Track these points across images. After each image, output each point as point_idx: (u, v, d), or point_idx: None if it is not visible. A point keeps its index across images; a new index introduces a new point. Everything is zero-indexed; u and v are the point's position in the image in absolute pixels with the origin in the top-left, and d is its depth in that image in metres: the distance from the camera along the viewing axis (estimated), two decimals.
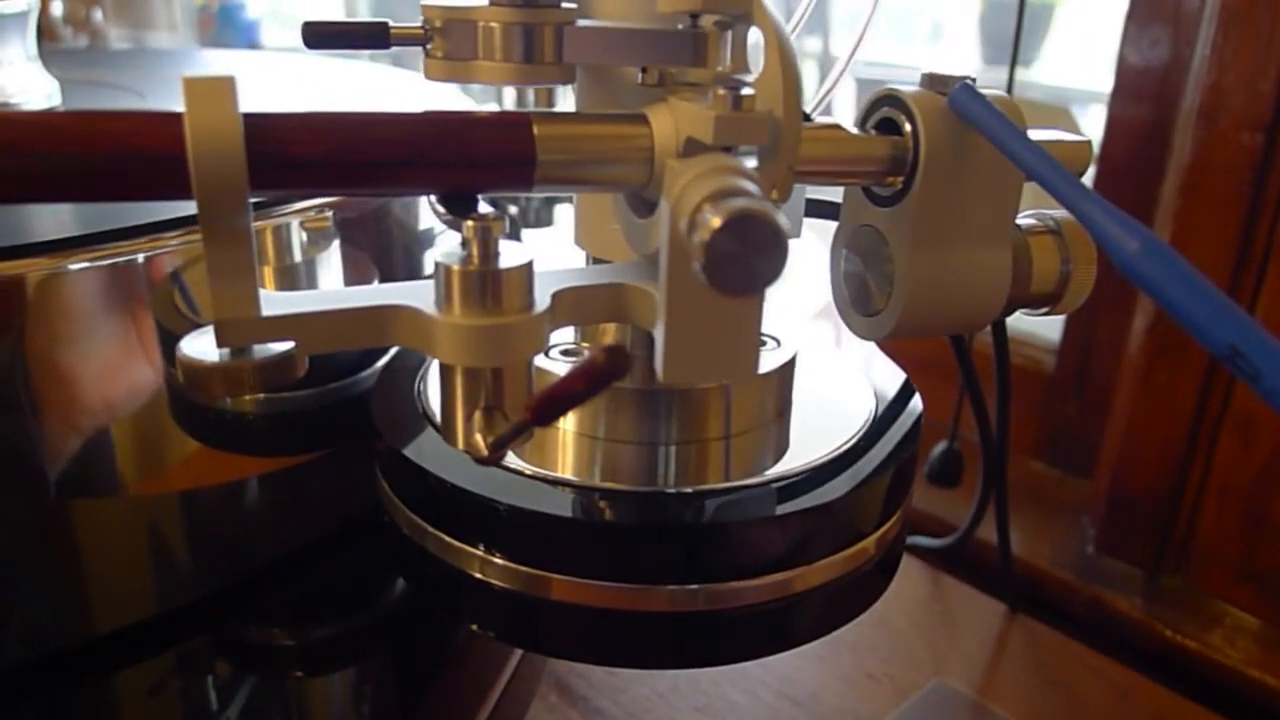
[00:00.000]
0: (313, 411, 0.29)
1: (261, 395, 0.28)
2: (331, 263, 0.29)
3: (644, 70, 0.21)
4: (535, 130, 0.19)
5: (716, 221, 0.15)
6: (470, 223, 0.19)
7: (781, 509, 0.23)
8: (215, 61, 0.55)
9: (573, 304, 0.20)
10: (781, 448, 0.26)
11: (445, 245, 0.19)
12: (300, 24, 0.20)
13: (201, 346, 0.19)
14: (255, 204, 0.25)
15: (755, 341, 0.19)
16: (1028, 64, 0.87)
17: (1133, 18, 0.50)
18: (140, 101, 0.40)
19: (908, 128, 0.22)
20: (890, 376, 0.29)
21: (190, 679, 0.29)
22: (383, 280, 0.31)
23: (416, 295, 0.19)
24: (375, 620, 0.31)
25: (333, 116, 0.18)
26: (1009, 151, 0.18)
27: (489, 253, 0.19)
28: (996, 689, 0.41)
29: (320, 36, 0.20)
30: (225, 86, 0.17)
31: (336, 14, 1.15)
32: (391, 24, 0.20)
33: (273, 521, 0.30)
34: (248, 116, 0.17)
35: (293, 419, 0.28)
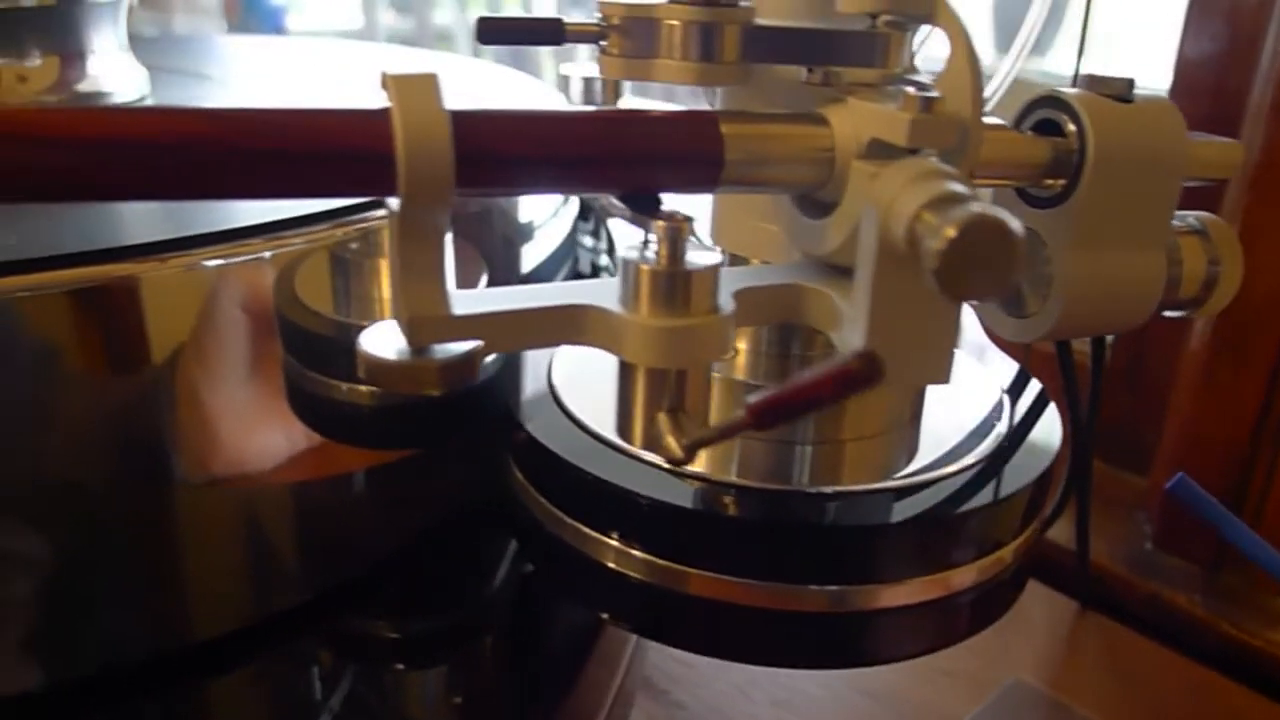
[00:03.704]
0: (433, 404, 0.29)
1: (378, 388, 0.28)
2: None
3: (809, 69, 0.21)
4: (723, 129, 0.19)
5: (951, 231, 0.15)
6: (661, 223, 0.18)
7: (923, 514, 0.23)
8: (280, 47, 0.54)
9: (749, 305, 0.20)
10: (914, 451, 0.26)
11: (629, 243, 0.19)
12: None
13: (380, 342, 0.19)
14: (369, 202, 0.25)
15: (954, 344, 0.19)
16: (1042, 52, 0.87)
17: (1193, 11, 0.49)
18: (224, 89, 0.39)
19: (1070, 128, 0.22)
20: (1011, 375, 0.29)
21: (295, 676, 0.29)
22: (491, 273, 0.30)
23: (600, 294, 0.19)
24: (481, 614, 0.31)
25: (532, 114, 0.18)
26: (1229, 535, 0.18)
27: (677, 253, 0.19)
28: (1072, 686, 0.41)
29: (495, 33, 0.20)
30: (430, 83, 0.17)
31: (354, 3, 1.14)
32: (566, 21, 0.20)
33: (387, 515, 0.29)
34: (454, 113, 0.17)
35: (413, 411, 0.28)
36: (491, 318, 0.19)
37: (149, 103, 0.35)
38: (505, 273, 0.31)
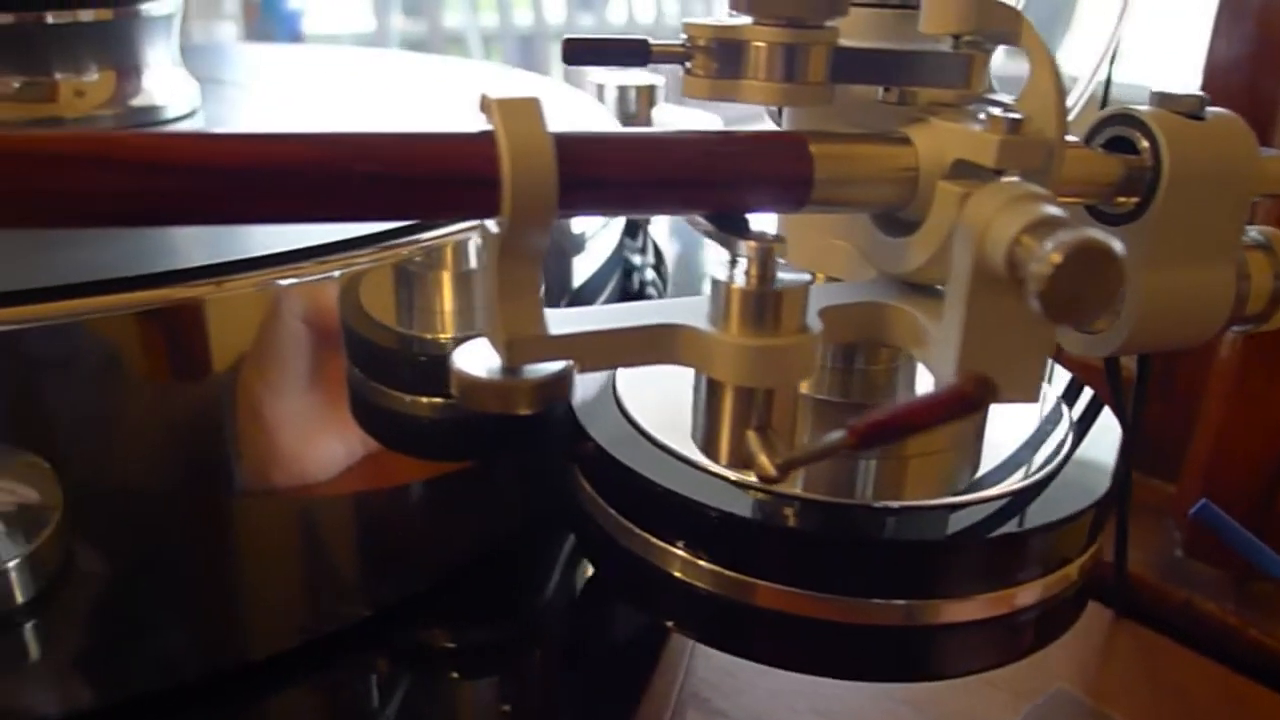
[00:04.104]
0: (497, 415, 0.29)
1: (441, 400, 0.28)
2: None
3: (885, 88, 0.21)
4: (812, 150, 0.19)
5: (1057, 256, 0.15)
6: (752, 243, 0.19)
7: (992, 531, 0.24)
8: (304, 56, 0.54)
9: (831, 323, 0.20)
10: (977, 465, 0.26)
11: (717, 261, 0.19)
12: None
13: (473, 360, 0.19)
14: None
15: (1046, 363, 0.19)
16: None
17: (1223, 13, 0.49)
18: (272, 101, 0.40)
19: (1144, 145, 0.22)
20: (1064, 384, 0.29)
21: (349, 687, 0.29)
22: (546, 285, 0.31)
23: (689, 313, 0.20)
24: (537, 624, 0.31)
25: (631, 136, 0.18)
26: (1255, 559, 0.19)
27: (767, 273, 0.19)
28: (1112, 695, 0.41)
29: (580, 54, 0.20)
30: (534, 106, 0.17)
31: (365, 2, 1.15)
32: (652, 41, 0.20)
33: (453, 528, 0.30)
34: (557, 137, 0.17)
35: (476, 422, 0.28)
36: (586, 337, 0.19)
37: (201, 116, 0.36)
38: (559, 284, 0.31)
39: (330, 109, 0.40)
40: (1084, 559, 0.25)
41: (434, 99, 0.43)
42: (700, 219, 0.20)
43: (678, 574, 0.24)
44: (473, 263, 0.28)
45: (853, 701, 0.40)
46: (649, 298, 0.38)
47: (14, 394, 0.22)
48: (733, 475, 0.24)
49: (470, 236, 0.27)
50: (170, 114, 0.34)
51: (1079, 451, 0.26)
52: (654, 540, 0.24)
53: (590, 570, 0.34)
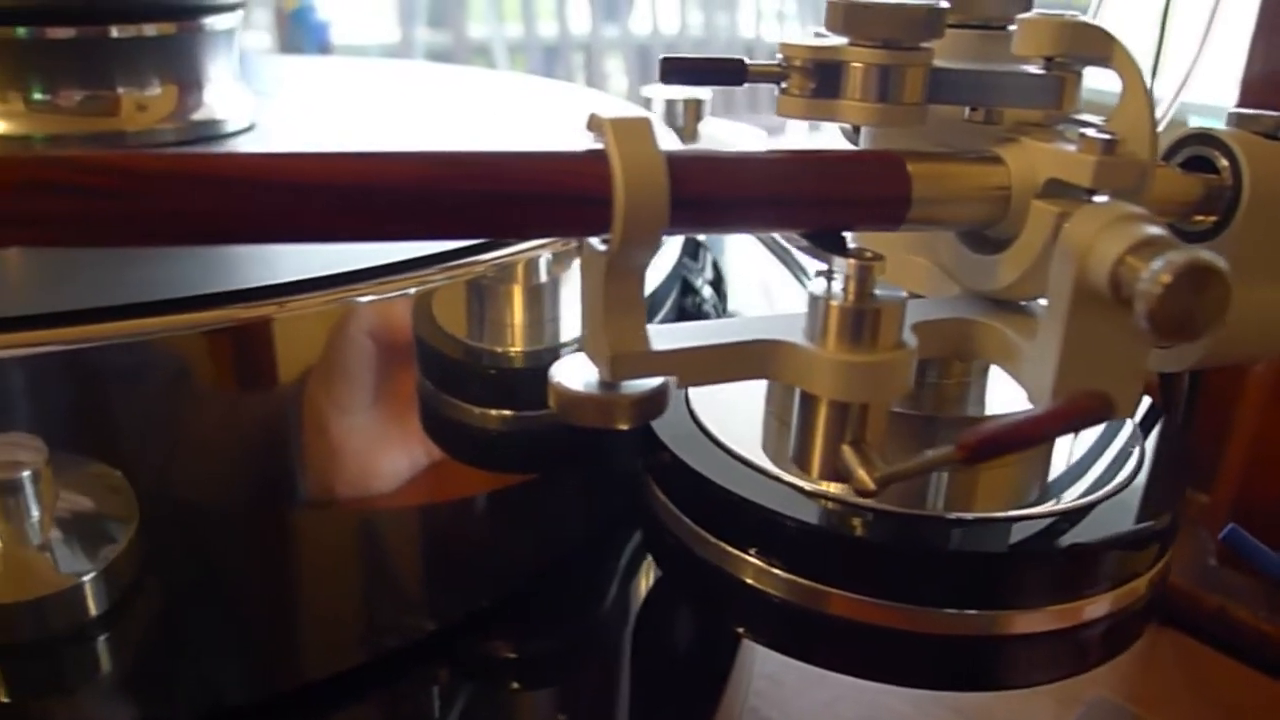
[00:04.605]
0: (558, 429, 0.29)
1: (510, 412, 0.28)
2: (571, 285, 0.29)
3: (971, 108, 0.22)
4: (910, 169, 0.19)
5: (1167, 276, 0.16)
6: (851, 260, 0.19)
7: (1062, 543, 0.24)
8: (345, 68, 0.55)
9: (921, 338, 0.21)
10: (1047, 476, 0.26)
11: (816, 279, 0.20)
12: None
13: (571, 374, 0.20)
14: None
15: (1143, 379, 0.19)
16: None
17: (1262, 26, 0.50)
18: (325, 115, 0.40)
19: (1223, 164, 0.22)
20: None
21: (411, 696, 0.29)
22: None
23: (785, 329, 0.20)
24: (599, 633, 0.32)
25: (735, 156, 0.18)
26: None
27: (865, 290, 0.19)
28: (1154, 702, 0.41)
29: (678, 73, 0.20)
30: (646, 126, 0.17)
31: (390, 13, 1.15)
32: (748, 62, 0.21)
33: (523, 542, 0.30)
34: (668, 156, 0.17)
35: (549, 434, 0.29)
36: (687, 353, 0.19)
37: (257, 130, 0.36)
38: None
39: (383, 123, 0.40)
40: (1153, 573, 0.26)
41: (484, 112, 0.43)
42: (795, 236, 0.20)
43: (751, 581, 0.25)
44: (543, 277, 0.28)
45: (900, 709, 0.40)
46: (707, 315, 0.39)
47: (95, 409, 0.22)
48: (806, 485, 0.25)
49: (541, 254, 0.28)
50: (229, 128, 0.35)
51: (1147, 464, 0.26)
52: (729, 548, 0.25)
53: (650, 579, 0.34)
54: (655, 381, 0.19)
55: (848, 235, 0.20)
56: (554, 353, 0.29)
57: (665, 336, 0.19)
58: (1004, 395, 0.26)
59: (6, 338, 0.20)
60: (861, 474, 0.19)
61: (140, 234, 0.16)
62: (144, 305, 0.21)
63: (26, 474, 0.21)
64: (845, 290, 0.19)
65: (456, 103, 0.45)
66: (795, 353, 0.19)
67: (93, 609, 0.23)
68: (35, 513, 0.22)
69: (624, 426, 0.19)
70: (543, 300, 0.28)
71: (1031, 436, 0.16)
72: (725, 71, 0.20)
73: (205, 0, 0.33)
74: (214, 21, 0.33)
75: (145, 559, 0.23)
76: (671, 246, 0.35)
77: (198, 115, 0.34)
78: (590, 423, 0.20)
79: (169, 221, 0.16)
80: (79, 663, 0.24)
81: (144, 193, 0.15)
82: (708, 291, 0.38)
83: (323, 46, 0.94)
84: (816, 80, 0.20)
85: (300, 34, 0.91)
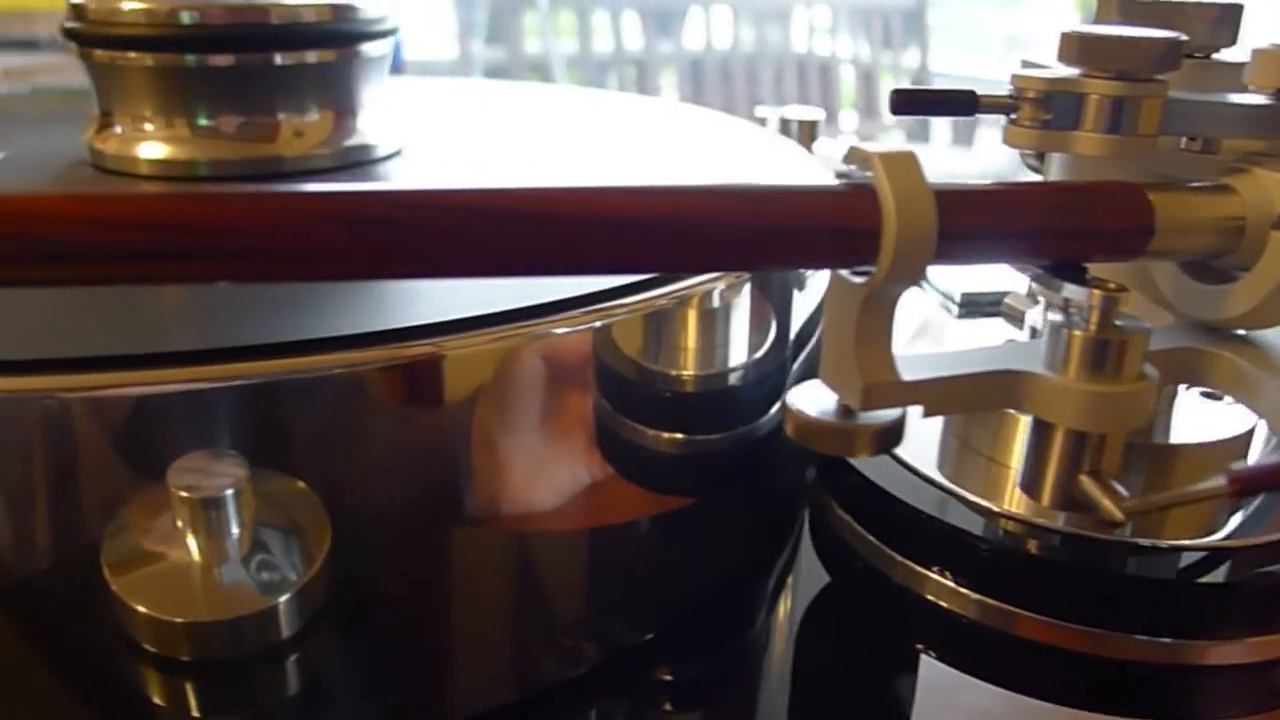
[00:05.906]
0: (728, 451, 0.29)
1: (681, 436, 0.28)
2: (741, 313, 0.29)
3: (1190, 138, 0.22)
4: (1151, 199, 0.20)
5: None
6: (1095, 291, 0.19)
7: (1259, 574, 0.24)
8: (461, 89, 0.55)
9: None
10: (1238, 507, 0.26)
11: (1054, 309, 0.20)
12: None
13: (808, 401, 0.20)
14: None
15: None
16: None
17: None
18: (474, 140, 0.40)
19: None
20: None
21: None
22: (777, 322, 0.31)
23: (1025, 358, 0.20)
24: (752, 658, 0.32)
25: (992, 190, 0.18)
26: None
27: (1109, 320, 0.19)
28: None
29: (909, 104, 0.20)
30: (913, 160, 0.18)
31: (449, 23, 1.16)
32: (979, 93, 0.21)
33: (685, 567, 0.30)
34: (935, 189, 0.18)
35: (710, 458, 0.29)
36: (935, 383, 0.19)
37: (404, 155, 0.36)
38: (781, 321, 0.32)
39: (527, 147, 0.41)
40: None
41: (616, 134, 0.43)
42: (1029, 266, 0.20)
43: (940, 601, 0.25)
44: (715, 302, 0.29)
45: None
46: None
47: (289, 436, 0.22)
48: (993, 505, 0.25)
49: (716, 286, 0.28)
50: (380, 153, 0.35)
51: None
52: (917, 567, 0.25)
53: (790, 603, 0.34)
54: (895, 412, 0.20)
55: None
56: (723, 377, 0.29)
57: (911, 367, 0.19)
58: (1188, 423, 0.26)
59: (227, 369, 0.20)
60: (1108, 504, 0.19)
61: (436, 269, 0.16)
62: (337, 339, 0.21)
63: (230, 491, 0.21)
64: (1088, 320, 0.19)
65: (582, 125, 0.45)
66: (1039, 383, 0.20)
67: (285, 630, 0.23)
68: (235, 530, 0.22)
69: (864, 455, 0.20)
70: (715, 325, 0.29)
71: None
72: (956, 103, 0.20)
73: (364, 27, 0.33)
74: (370, 48, 0.34)
75: (331, 584, 0.23)
76: None
77: (351, 141, 0.34)
78: (829, 450, 0.20)
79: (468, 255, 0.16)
80: (268, 683, 0.24)
81: (440, 226, 0.16)
82: None
83: (396, 65, 0.94)
84: (1052, 111, 0.20)
85: None
